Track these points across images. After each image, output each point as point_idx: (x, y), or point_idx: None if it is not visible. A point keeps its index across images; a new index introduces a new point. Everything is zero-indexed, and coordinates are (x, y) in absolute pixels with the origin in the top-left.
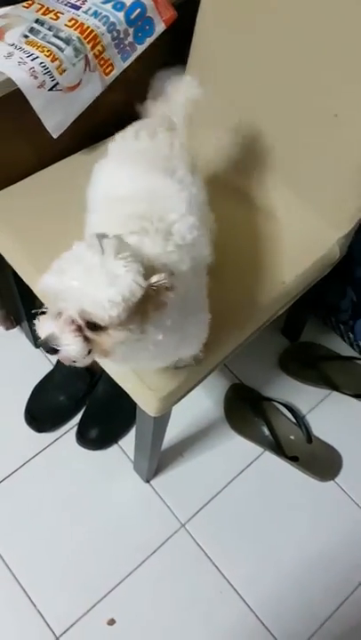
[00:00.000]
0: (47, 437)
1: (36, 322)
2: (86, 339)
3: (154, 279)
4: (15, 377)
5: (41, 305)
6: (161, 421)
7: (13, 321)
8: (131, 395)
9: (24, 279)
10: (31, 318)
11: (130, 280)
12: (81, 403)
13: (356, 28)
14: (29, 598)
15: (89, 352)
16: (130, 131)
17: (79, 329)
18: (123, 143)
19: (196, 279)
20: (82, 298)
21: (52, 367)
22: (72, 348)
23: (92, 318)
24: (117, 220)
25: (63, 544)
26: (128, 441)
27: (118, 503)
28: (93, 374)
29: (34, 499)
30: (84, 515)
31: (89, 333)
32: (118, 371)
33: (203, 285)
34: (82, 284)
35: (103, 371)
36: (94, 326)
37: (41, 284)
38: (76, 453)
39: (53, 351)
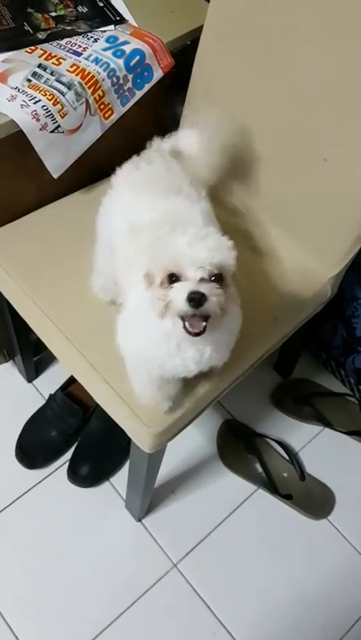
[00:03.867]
0: (38, 474)
1: (162, 293)
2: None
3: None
4: (7, 412)
5: (36, 339)
6: (155, 458)
7: (6, 355)
8: (126, 430)
9: (20, 313)
10: (25, 352)
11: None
12: (73, 438)
13: (342, 75)
14: (17, 638)
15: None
16: (130, 163)
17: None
18: (126, 174)
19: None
20: (206, 254)
21: (44, 402)
22: (217, 297)
23: (224, 264)
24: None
25: (53, 583)
26: (120, 478)
27: (109, 542)
28: (87, 409)
29: (23, 537)
30: (74, 554)
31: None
32: (113, 406)
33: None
34: (200, 245)
35: (97, 406)
36: (218, 279)
37: (159, 254)
38: (67, 490)
39: (197, 305)
